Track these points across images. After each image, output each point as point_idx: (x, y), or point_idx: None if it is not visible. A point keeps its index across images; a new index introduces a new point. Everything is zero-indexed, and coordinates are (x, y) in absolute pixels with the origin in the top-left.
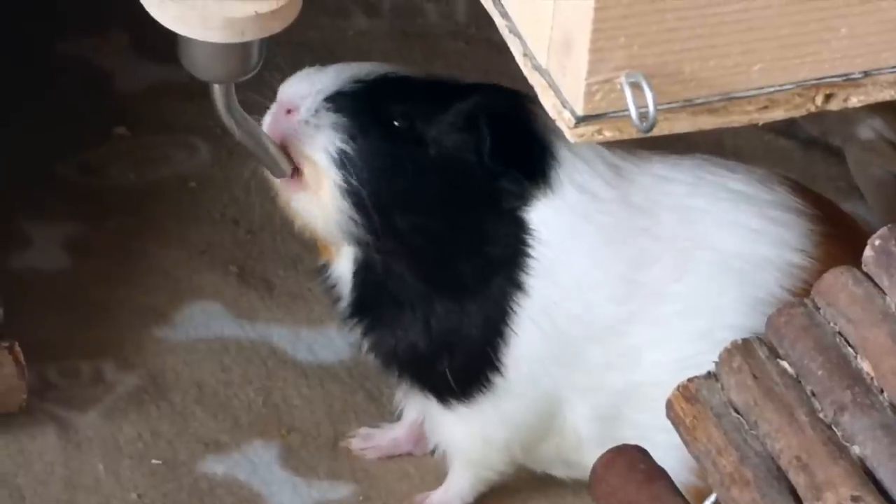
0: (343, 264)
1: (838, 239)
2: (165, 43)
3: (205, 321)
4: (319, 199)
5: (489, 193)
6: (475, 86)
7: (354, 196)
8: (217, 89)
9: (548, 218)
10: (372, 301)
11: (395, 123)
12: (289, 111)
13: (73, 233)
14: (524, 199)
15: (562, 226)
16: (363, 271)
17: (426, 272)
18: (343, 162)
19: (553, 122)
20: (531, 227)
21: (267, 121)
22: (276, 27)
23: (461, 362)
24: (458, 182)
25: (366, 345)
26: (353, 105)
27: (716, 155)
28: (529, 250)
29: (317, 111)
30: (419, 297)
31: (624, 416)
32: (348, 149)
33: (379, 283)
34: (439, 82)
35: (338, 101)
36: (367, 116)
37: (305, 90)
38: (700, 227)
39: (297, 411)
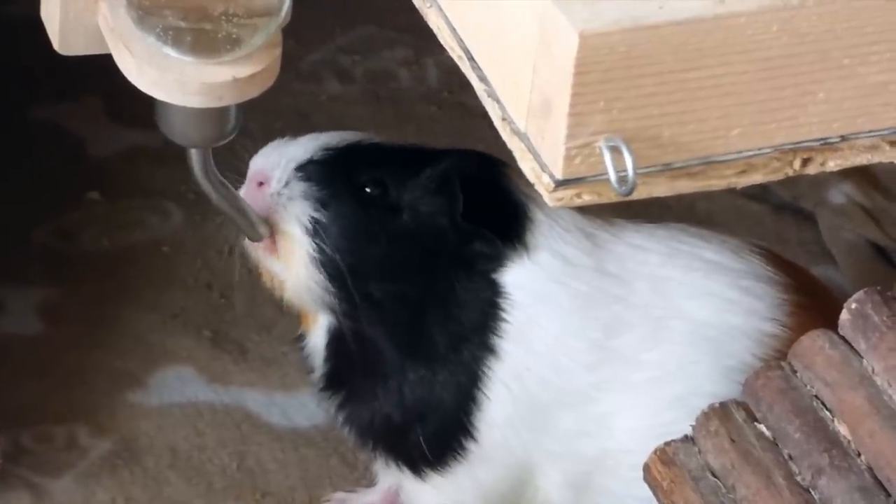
0: (317, 335)
1: (810, 307)
2: (138, 108)
3: (178, 386)
4: (293, 270)
5: (462, 256)
6: (449, 151)
7: (328, 265)
8: (194, 154)
9: (522, 281)
10: (345, 373)
11: (367, 190)
12: (260, 184)
13: (47, 298)
14: (498, 261)
15: (536, 289)
16: (336, 342)
17: (400, 338)
18: (316, 230)
19: (528, 186)
20: (505, 290)
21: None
22: (254, 92)
23: (435, 428)
24: (432, 247)
25: (340, 419)
26: (324, 173)
27: (688, 219)
28: (502, 314)
29: (287, 182)
30: (393, 365)
31: (596, 484)
32: (321, 217)
33: (352, 354)
34: (412, 149)
35: (308, 169)
36: (338, 184)
37: (275, 161)
38: (674, 296)
39: (271, 476)
